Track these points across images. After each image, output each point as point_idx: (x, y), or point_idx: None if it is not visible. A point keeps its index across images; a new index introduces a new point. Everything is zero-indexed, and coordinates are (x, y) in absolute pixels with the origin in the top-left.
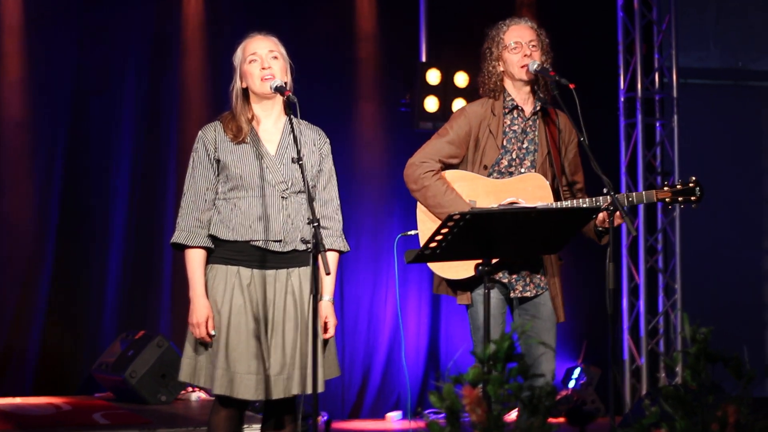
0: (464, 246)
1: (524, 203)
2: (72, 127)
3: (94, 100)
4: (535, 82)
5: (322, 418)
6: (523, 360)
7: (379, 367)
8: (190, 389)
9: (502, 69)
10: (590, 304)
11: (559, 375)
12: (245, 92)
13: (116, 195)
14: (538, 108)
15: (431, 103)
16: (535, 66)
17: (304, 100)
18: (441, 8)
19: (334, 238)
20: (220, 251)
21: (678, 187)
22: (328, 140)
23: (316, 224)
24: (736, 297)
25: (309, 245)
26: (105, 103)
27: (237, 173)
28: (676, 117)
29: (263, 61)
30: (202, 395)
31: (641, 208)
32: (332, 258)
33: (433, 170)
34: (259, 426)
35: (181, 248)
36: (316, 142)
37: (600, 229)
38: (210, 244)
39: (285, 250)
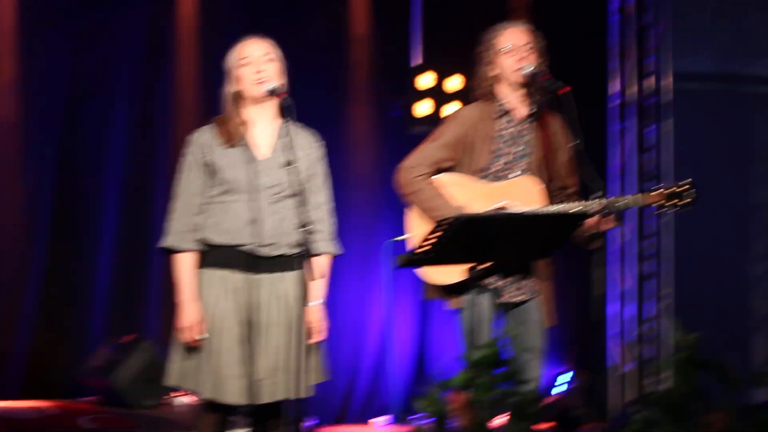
0: (454, 250)
1: (515, 207)
2: (64, 129)
3: (86, 103)
4: (529, 85)
5: (309, 423)
6: (510, 366)
7: (367, 372)
8: (176, 393)
9: (496, 72)
10: (579, 309)
11: (547, 380)
12: (237, 96)
13: (107, 198)
14: (532, 111)
15: (424, 107)
16: (529, 69)
17: (296, 103)
18: (435, 12)
19: (325, 241)
20: (210, 255)
21: (670, 190)
22: (321, 144)
23: (306, 228)
24: (724, 303)
25: (299, 249)
26: (97, 106)
27: (228, 177)
28: (669, 121)
29: (257, 64)
30: (189, 400)
31: (632, 213)
32: (324, 261)
33: (424, 174)
34: (245, 431)
35: (171, 252)
36: (308, 146)
37: (589, 234)
38: (199, 248)
39: (275, 254)
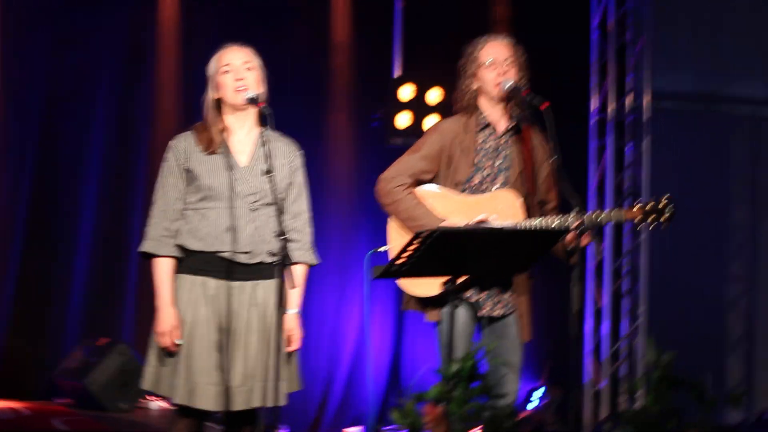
0: (432, 263)
1: (495, 221)
2: (43, 131)
3: (66, 105)
4: (509, 99)
5: (282, 431)
6: (486, 380)
7: (341, 383)
8: (150, 398)
9: (477, 86)
10: (554, 325)
11: (521, 395)
12: (218, 103)
13: (85, 201)
14: (511, 126)
15: (403, 119)
16: (509, 84)
17: (275, 111)
18: (416, 23)
19: (303, 251)
20: (188, 261)
21: (648, 206)
22: (300, 153)
23: (284, 237)
24: (700, 323)
25: (277, 258)
26: (77, 109)
27: (207, 184)
28: (647, 140)
29: (237, 72)
30: (163, 404)
31: (608, 231)
32: (300, 271)
33: (404, 184)
34: None
35: (149, 257)
36: (288, 155)
37: (569, 248)
38: (177, 254)
39: (252, 261)
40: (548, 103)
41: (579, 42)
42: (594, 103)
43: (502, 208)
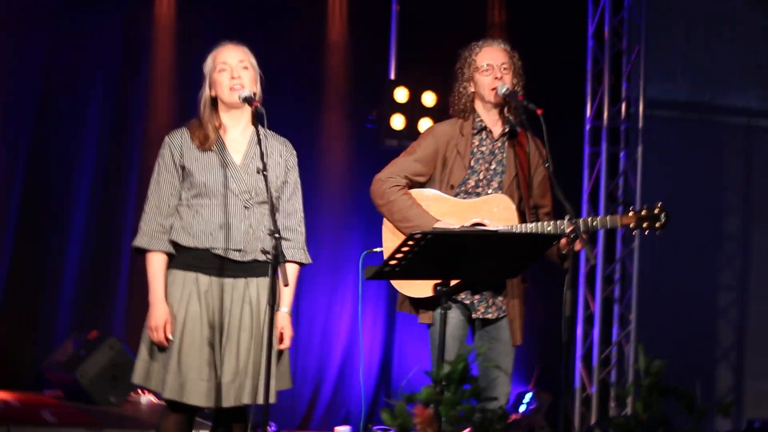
0: (424, 265)
1: (490, 224)
2: (37, 126)
3: (60, 101)
4: (504, 104)
5: (271, 429)
6: (477, 382)
7: (331, 381)
8: (140, 392)
9: (472, 90)
10: (544, 330)
11: (511, 399)
12: (214, 101)
13: (78, 195)
14: (507, 130)
15: (398, 121)
16: (504, 89)
17: (271, 110)
18: (412, 26)
19: (295, 249)
20: (180, 257)
21: (643, 212)
22: (294, 152)
23: (276, 235)
24: (690, 331)
25: (269, 256)
26: (71, 104)
27: (201, 181)
28: (640, 148)
29: (233, 70)
30: (153, 399)
31: (600, 237)
32: (292, 270)
33: (398, 185)
34: None
35: (142, 252)
36: (282, 154)
37: (563, 252)
38: (171, 250)
39: (245, 259)
40: (541, 110)
41: (574, 49)
42: (588, 110)
43: (496, 212)
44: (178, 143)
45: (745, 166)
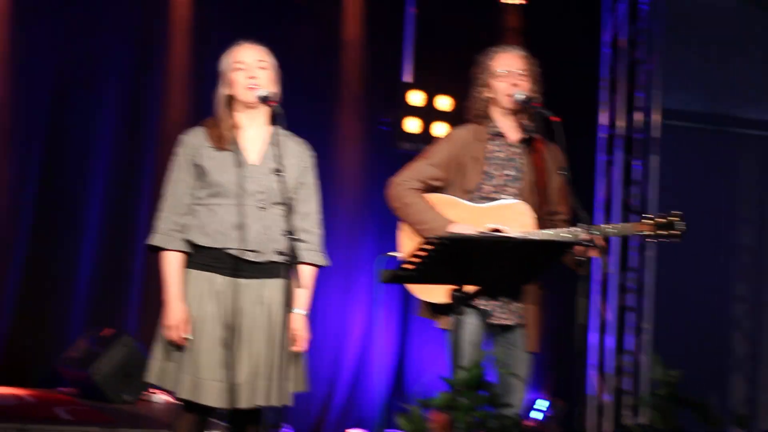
0: (440, 270)
1: (507, 230)
2: (51, 120)
3: (75, 95)
4: (520, 111)
5: (284, 431)
6: (493, 389)
7: (345, 384)
8: (154, 391)
9: (489, 95)
10: (558, 337)
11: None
12: (229, 99)
13: (92, 191)
14: (524, 137)
15: (412, 125)
16: (521, 96)
17: (284, 109)
18: (428, 29)
19: (311, 252)
20: (195, 257)
21: (659, 220)
22: (312, 153)
23: (292, 236)
24: (704, 341)
25: (285, 257)
26: (86, 99)
27: (216, 180)
28: (656, 157)
29: (250, 69)
30: (167, 398)
31: (615, 245)
32: (309, 272)
33: (414, 189)
34: None
35: (157, 250)
36: (299, 155)
37: (578, 259)
38: (186, 248)
39: (260, 260)
40: (558, 118)
41: (589, 55)
42: (602, 119)
43: (511, 218)
44: (193, 142)
45: (760, 177)
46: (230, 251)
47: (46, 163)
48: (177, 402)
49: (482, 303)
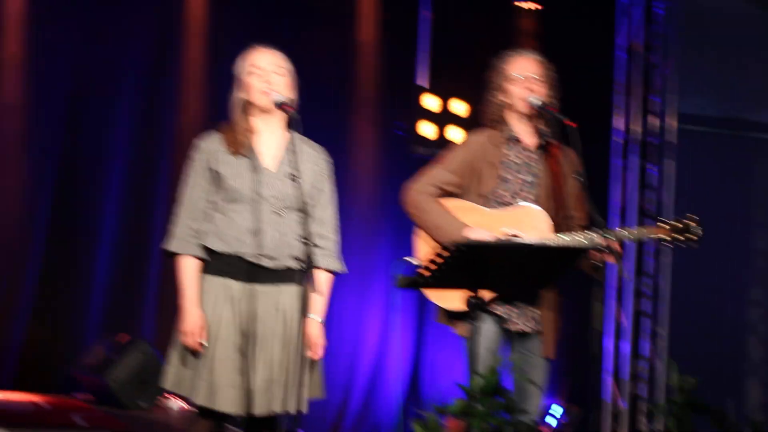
0: (457, 275)
1: (524, 236)
2: (67, 125)
3: (90, 99)
4: (536, 115)
5: None
6: (509, 395)
7: (360, 391)
8: (170, 397)
9: (505, 100)
10: (574, 343)
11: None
12: (246, 104)
13: (108, 196)
14: (540, 142)
15: (427, 129)
16: (536, 101)
17: (300, 115)
18: (443, 33)
19: (328, 258)
20: (212, 262)
21: (676, 224)
22: (329, 159)
23: (308, 242)
24: (719, 346)
25: (301, 263)
26: (101, 104)
27: (232, 185)
28: (671, 162)
29: (266, 74)
30: (183, 404)
31: (632, 251)
32: (325, 278)
33: (430, 194)
34: None
35: (173, 256)
36: (316, 160)
37: (595, 264)
38: (202, 254)
39: (276, 266)
40: (574, 124)
41: (605, 62)
42: (617, 123)
43: (527, 223)
44: (209, 147)
45: None
46: (246, 257)
47: (62, 169)
48: (192, 408)
49: (500, 309)
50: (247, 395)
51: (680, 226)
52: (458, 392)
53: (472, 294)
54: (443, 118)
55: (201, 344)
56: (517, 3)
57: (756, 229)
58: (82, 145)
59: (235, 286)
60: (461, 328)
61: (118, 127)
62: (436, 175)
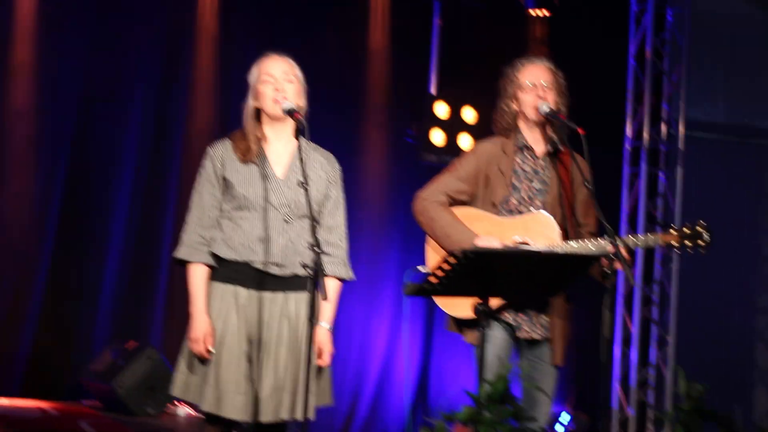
0: (465, 283)
1: (532, 243)
2: (77, 132)
3: (101, 107)
4: (547, 123)
5: None
6: (517, 403)
7: (368, 397)
8: (178, 404)
9: (515, 108)
10: (581, 350)
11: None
12: (257, 112)
13: (117, 203)
14: (550, 149)
15: (437, 136)
16: (546, 108)
17: (310, 122)
18: (453, 41)
19: (337, 265)
20: (220, 270)
21: (685, 230)
22: (338, 167)
23: (317, 250)
24: (728, 353)
25: (310, 270)
26: (112, 111)
27: (241, 193)
28: (680, 169)
29: (277, 82)
30: (190, 411)
31: (639, 258)
32: (333, 285)
33: (440, 203)
34: None
35: (183, 263)
36: (325, 168)
37: (605, 271)
38: (212, 262)
39: (284, 273)
40: (583, 131)
41: (613, 68)
42: (628, 131)
43: (537, 230)
44: (220, 154)
45: None
46: (254, 264)
47: (71, 175)
48: (200, 415)
49: (510, 317)
50: (255, 402)
51: (690, 232)
52: (466, 399)
53: (479, 301)
54: (453, 126)
55: (208, 351)
56: (528, 10)
57: (764, 235)
58: (92, 152)
59: (242, 293)
60: (471, 336)
61: (128, 135)
62: (446, 183)
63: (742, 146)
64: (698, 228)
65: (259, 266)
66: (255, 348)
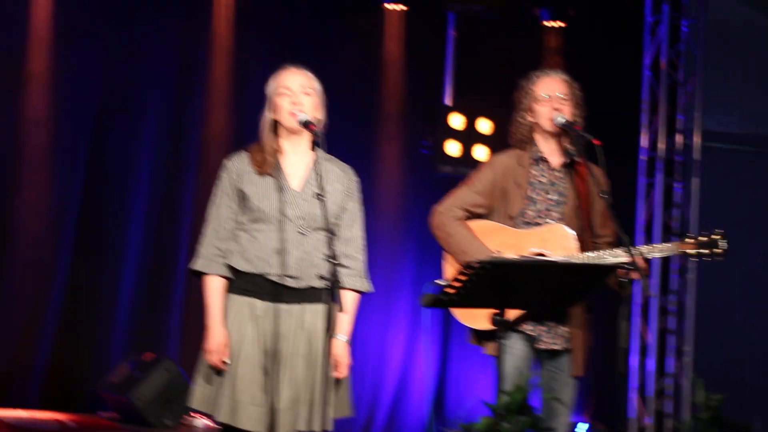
0: (482, 294)
1: (549, 254)
2: (93, 142)
3: (117, 118)
4: (562, 134)
5: None
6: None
7: (385, 409)
8: (195, 415)
9: (531, 120)
10: (599, 360)
11: None
12: (275, 124)
13: (133, 214)
14: (566, 161)
15: (453, 148)
16: (561, 119)
17: (325, 131)
18: (468, 52)
19: (354, 277)
20: (237, 282)
21: (702, 239)
22: (355, 179)
23: (333, 262)
24: (744, 363)
25: (326, 282)
26: (128, 122)
27: (257, 206)
28: (696, 179)
29: (294, 95)
30: (208, 422)
31: (656, 268)
32: (351, 298)
33: (457, 217)
34: None
35: (199, 275)
36: (342, 179)
37: (621, 281)
38: (228, 274)
39: (300, 286)
40: (599, 142)
41: (630, 80)
42: (644, 141)
43: (554, 242)
44: (236, 167)
45: None
46: (270, 277)
47: (87, 187)
48: (217, 426)
49: (529, 328)
50: (271, 414)
51: (706, 240)
52: (484, 410)
53: (496, 312)
54: (469, 137)
55: (224, 362)
56: (543, 22)
57: None
58: (107, 164)
59: (259, 305)
60: (491, 348)
61: (144, 146)
62: (463, 197)
63: (757, 156)
64: (714, 236)
65: (275, 278)
66: (271, 360)
